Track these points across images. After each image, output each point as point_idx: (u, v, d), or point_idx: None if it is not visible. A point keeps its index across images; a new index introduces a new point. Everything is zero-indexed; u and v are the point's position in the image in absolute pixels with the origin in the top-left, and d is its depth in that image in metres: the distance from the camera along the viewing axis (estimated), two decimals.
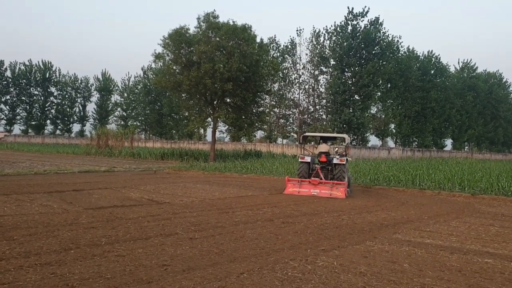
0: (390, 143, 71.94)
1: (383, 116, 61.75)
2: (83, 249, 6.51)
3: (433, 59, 65.64)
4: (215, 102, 33.83)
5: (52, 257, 6.05)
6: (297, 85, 60.37)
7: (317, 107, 59.69)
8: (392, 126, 64.51)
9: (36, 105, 78.01)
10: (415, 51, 64.76)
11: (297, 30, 59.99)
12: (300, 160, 16.45)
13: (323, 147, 17.34)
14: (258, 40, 33.69)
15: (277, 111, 61.08)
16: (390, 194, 16.33)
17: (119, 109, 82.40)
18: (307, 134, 19.22)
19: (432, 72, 64.91)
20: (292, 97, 60.93)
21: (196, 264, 5.97)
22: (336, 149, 18.14)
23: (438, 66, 65.87)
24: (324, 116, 58.74)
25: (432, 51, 66.05)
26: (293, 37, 61.05)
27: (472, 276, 5.98)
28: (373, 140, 67.80)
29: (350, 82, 52.62)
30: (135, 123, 77.07)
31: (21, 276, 5.21)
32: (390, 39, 54.82)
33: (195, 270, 5.69)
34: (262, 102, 39.86)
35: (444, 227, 9.70)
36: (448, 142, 74.30)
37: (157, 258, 6.22)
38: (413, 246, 7.66)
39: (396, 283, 5.51)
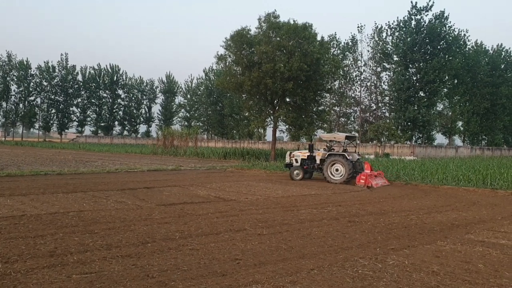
0: (457, 141, 69.09)
1: (450, 113, 59.41)
2: (159, 243, 6.87)
3: (503, 53, 62.44)
4: (275, 102, 33.94)
5: (131, 249, 6.44)
6: (359, 82, 59.41)
7: (380, 104, 58.38)
8: (460, 123, 61.92)
9: (105, 107, 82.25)
10: (483, 45, 61.91)
11: (358, 27, 58.91)
12: (348, 157, 18.48)
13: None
14: (318, 38, 33.41)
15: (338, 109, 60.33)
16: (460, 194, 15.75)
17: (182, 110, 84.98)
18: (348, 134, 20.84)
19: (502, 66, 61.72)
20: (353, 95, 60.01)
21: (266, 259, 6.13)
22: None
23: (509, 60, 62.53)
24: (387, 114, 57.30)
25: (501, 44, 63.05)
26: (354, 34, 60.21)
27: None
28: (439, 139, 65.40)
29: (414, 78, 51.07)
30: (198, 123, 79.23)
31: (105, 266, 5.61)
32: (456, 33, 52.63)
33: (266, 265, 5.85)
34: (322, 100, 39.52)
35: None
36: None
37: (229, 252, 6.45)
38: (487, 246, 7.41)
39: (471, 283, 5.38)
